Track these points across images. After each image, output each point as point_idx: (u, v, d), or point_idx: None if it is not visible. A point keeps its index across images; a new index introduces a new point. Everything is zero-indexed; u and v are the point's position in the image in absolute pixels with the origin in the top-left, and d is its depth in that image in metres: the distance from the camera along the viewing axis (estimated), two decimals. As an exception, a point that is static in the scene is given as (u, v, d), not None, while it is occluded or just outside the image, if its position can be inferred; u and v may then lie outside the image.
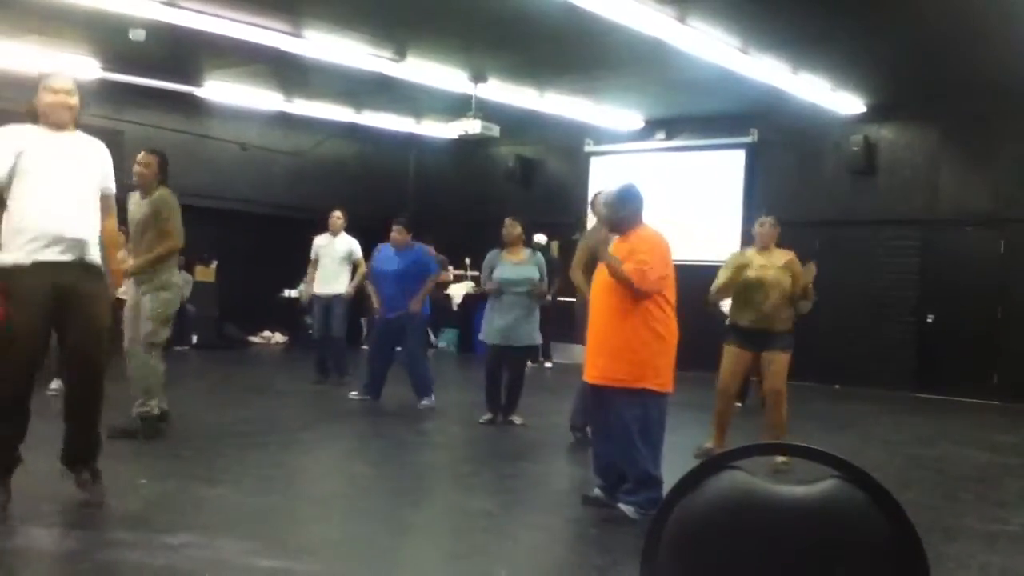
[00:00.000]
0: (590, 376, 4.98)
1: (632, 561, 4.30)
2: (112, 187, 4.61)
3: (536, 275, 7.76)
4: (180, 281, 6.76)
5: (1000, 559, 4.46)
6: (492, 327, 7.75)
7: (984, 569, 4.27)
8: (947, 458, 7.26)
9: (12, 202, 4.28)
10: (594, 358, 4.94)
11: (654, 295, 4.79)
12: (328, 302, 9.76)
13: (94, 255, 4.44)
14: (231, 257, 13.69)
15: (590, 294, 5.13)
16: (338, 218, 9.87)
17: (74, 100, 4.47)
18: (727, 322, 6.76)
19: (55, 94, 4.41)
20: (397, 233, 8.58)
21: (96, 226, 4.50)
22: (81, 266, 4.37)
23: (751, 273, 6.37)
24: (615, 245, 5.00)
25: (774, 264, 6.40)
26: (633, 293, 4.75)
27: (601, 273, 4.96)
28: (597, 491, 5.07)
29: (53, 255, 4.27)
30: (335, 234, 9.87)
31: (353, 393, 8.79)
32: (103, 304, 4.51)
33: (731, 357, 6.49)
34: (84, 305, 4.37)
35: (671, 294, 4.94)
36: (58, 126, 4.44)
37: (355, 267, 9.81)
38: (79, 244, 4.35)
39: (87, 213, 4.43)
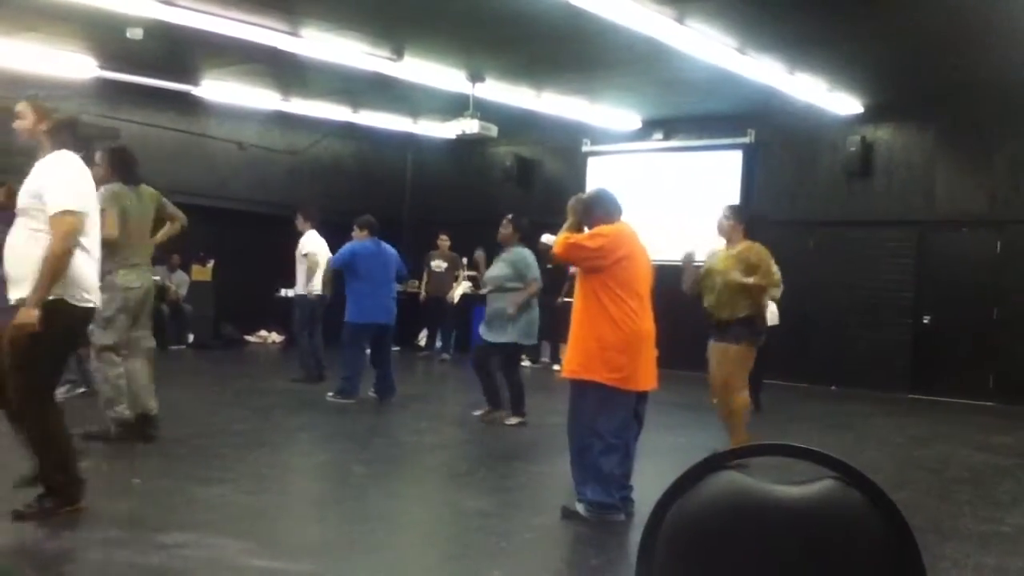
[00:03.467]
0: (655, 382, 4.92)
1: (626, 561, 4.29)
2: None
3: None
4: (123, 282, 5.99)
5: (995, 559, 4.47)
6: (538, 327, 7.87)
7: (978, 569, 4.28)
8: (943, 459, 7.26)
9: (83, 245, 4.26)
10: (653, 363, 4.91)
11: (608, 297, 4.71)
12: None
13: None
14: (228, 256, 13.67)
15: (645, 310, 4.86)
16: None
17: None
18: (755, 323, 6.30)
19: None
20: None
21: None
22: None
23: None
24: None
25: None
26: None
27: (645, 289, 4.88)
28: (580, 507, 4.76)
29: (92, 301, 4.38)
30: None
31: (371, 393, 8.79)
32: None
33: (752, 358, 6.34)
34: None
35: (623, 288, 4.75)
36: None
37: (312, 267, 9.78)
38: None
39: None
